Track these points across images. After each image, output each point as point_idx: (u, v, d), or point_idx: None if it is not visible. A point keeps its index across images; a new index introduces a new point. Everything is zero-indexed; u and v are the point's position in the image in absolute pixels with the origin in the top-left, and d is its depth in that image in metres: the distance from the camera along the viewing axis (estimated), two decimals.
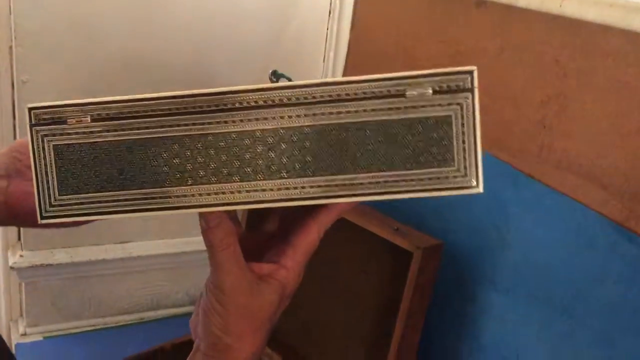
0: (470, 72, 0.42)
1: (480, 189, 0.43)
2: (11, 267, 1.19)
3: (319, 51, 1.39)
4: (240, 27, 1.27)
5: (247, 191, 0.44)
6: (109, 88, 1.17)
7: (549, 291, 0.83)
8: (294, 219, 0.51)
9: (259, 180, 0.44)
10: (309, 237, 0.50)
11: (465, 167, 0.43)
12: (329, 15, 1.36)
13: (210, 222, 0.46)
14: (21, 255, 1.21)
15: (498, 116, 0.93)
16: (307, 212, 0.50)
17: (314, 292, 1.14)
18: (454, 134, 0.42)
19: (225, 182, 0.44)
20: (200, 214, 0.46)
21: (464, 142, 0.43)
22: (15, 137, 1.14)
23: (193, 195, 0.44)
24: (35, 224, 0.49)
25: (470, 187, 0.43)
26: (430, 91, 0.43)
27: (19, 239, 1.23)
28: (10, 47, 1.10)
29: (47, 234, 1.22)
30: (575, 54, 0.82)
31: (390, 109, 0.43)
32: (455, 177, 0.43)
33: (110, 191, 0.45)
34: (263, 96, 0.43)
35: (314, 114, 0.43)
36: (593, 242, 0.78)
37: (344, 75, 1.37)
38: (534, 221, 0.86)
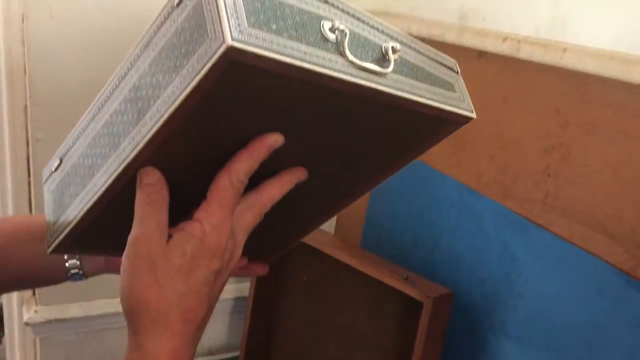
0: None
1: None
2: (26, 323, 1.20)
3: None
4: None
5: None
6: None
7: (560, 340, 0.83)
8: None
9: None
10: (220, 185, 0.47)
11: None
12: None
13: (144, 180, 0.46)
14: (36, 311, 1.22)
15: (504, 164, 0.94)
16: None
17: (325, 342, 1.14)
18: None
19: None
20: (139, 171, 0.46)
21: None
22: (30, 194, 1.16)
23: None
24: None
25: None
26: None
27: (34, 293, 1.24)
28: (26, 106, 1.13)
29: (62, 287, 1.23)
30: (576, 105, 0.83)
31: None
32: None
33: None
34: None
35: None
36: (602, 291, 0.78)
37: None
38: (544, 270, 0.86)
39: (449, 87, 0.55)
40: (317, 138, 0.51)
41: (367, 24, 0.49)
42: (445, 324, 0.98)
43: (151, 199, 0.46)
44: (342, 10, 0.47)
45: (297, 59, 0.41)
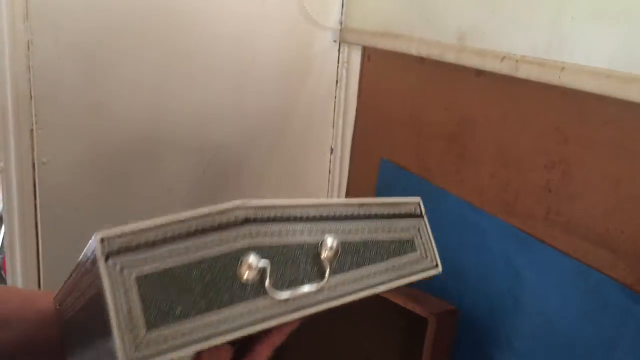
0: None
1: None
2: None
3: (328, 119, 1.43)
4: (250, 103, 1.31)
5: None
6: (125, 167, 1.21)
7: (565, 355, 0.84)
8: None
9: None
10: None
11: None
12: (336, 85, 1.41)
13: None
14: None
15: (506, 181, 0.96)
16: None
17: (328, 357, 1.14)
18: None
19: None
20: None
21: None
22: (36, 218, 1.18)
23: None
24: None
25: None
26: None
27: (39, 285, 1.24)
28: (32, 130, 1.14)
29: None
30: (575, 122, 0.84)
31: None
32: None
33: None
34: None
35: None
36: (606, 305, 0.79)
37: (352, 140, 1.41)
38: (548, 285, 0.87)
39: (407, 247, 0.53)
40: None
41: (300, 218, 0.46)
42: (450, 340, 0.98)
43: None
44: (261, 223, 0.44)
45: (204, 341, 0.40)
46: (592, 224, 0.82)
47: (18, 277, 1.22)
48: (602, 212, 0.81)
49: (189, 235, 0.41)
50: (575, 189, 0.85)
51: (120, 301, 0.37)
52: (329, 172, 1.48)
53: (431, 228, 0.56)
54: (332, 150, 1.46)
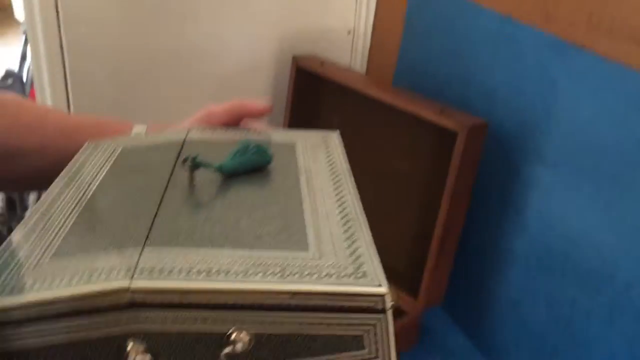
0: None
1: None
2: None
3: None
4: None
5: None
6: None
7: (597, 160, 0.82)
8: None
9: None
10: None
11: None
12: None
13: None
14: None
15: None
16: None
17: (358, 181, 1.15)
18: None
19: None
20: None
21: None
22: (60, 35, 1.15)
23: None
24: None
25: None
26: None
27: None
28: None
29: None
30: None
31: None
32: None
33: None
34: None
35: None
36: None
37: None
38: (584, 92, 0.84)
39: (351, 344, 0.41)
40: None
41: (204, 306, 0.38)
42: (479, 155, 0.98)
43: None
44: (150, 309, 0.37)
45: None
46: (637, 24, 0.78)
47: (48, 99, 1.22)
48: None
49: (60, 316, 0.36)
50: None
51: None
52: None
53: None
54: None
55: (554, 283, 0.89)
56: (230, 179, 0.55)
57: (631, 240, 0.78)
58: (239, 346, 0.38)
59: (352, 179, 0.56)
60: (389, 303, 0.39)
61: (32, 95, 2.40)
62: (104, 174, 0.58)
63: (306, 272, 0.40)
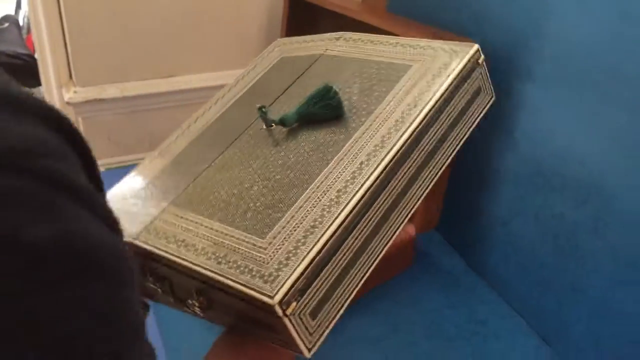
0: None
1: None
2: (67, 103, 1.26)
3: None
4: None
5: None
6: None
7: (583, 75, 0.83)
8: None
9: None
10: None
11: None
12: None
13: None
14: (75, 92, 1.27)
15: None
16: None
17: None
18: None
19: None
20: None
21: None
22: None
23: None
24: None
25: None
26: None
27: (70, 77, 1.28)
28: None
29: (98, 69, 1.27)
30: None
31: None
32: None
33: None
34: None
35: None
36: (638, 19, 0.76)
37: None
38: (576, 8, 0.84)
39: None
40: None
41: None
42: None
43: None
44: None
45: None
46: None
47: (47, 54, 1.24)
48: None
49: None
50: None
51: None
52: None
53: None
54: None
55: (542, 199, 0.91)
56: (293, 129, 0.66)
57: (615, 152, 0.79)
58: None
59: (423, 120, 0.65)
60: (280, 311, 0.45)
61: (29, 41, 2.40)
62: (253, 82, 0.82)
63: (239, 261, 0.49)
